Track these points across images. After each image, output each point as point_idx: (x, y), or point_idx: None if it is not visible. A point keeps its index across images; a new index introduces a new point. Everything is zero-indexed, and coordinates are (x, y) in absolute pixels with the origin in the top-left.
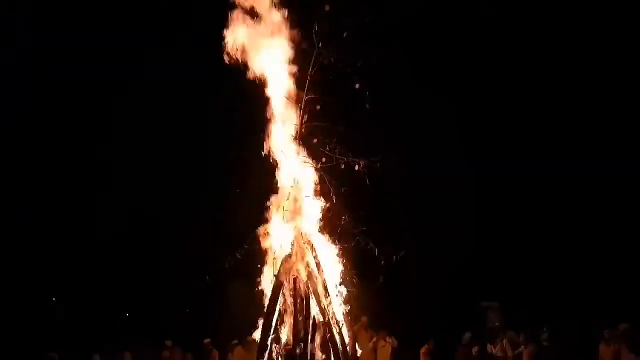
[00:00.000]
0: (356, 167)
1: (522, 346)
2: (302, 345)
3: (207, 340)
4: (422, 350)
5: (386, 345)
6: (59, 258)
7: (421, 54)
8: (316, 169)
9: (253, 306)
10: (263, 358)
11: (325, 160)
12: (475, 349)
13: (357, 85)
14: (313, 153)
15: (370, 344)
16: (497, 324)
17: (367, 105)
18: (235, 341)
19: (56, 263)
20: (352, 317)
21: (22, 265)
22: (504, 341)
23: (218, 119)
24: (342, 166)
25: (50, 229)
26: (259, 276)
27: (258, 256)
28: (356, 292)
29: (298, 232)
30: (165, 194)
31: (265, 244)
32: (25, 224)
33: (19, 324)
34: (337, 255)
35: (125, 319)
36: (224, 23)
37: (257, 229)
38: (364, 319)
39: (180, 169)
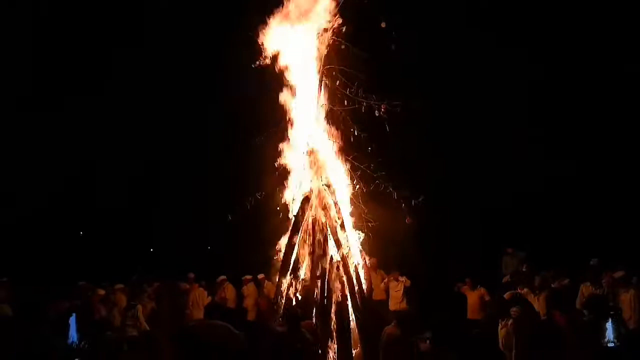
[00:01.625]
0: (376, 113)
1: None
2: (319, 282)
3: (222, 277)
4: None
5: (399, 285)
6: (88, 191)
7: None
8: (337, 112)
9: (272, 245)
10: (281, 294)
11: (347, 103)
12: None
13: (382, 24)
14: (335, 96)
15: (382, 284)
16: (524, 269)
17: (392, 46)
18: (249, 277)
19: (85, 197)
20: (367, 257)
21: (54, 200)
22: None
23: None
24: (363, 110)
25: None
26: (278, 216)
27: (278, 197)
28: (372, 233)
29: (317, 173)
30: (193, 137)
31: (284, 186)
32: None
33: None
34: (356, 197)
35: (149, 254)
36: None
37: (277, 171)
38: (373, 259)
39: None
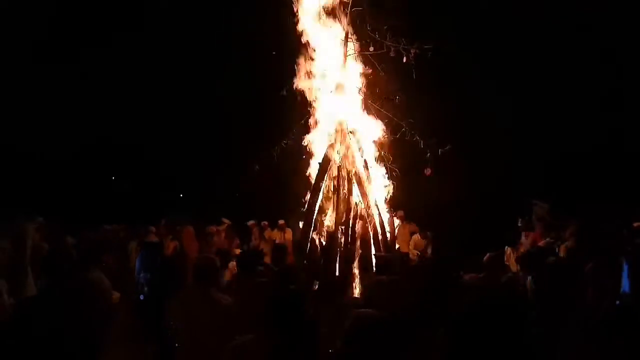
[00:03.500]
0: (404, 59)
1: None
2: (342, 229)
3: (251, 222)
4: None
5: (423, 240)
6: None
7: None
8: (365, 56)
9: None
10: (306, 239)
11: (375, 48)
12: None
13: None
14: (363, 40)
15: (408, 236)
16: (547, 219)
17: None
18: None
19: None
20: (392, 208)
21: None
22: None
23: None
24: (392, 54)
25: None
26: (304, 164)
27: (303, 146)
28: (398, 184)
29: (343, 121)
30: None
31: (310, 134)
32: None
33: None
34: (382, 146)
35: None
36: None
37: (302, 119)
38: (400, 212)
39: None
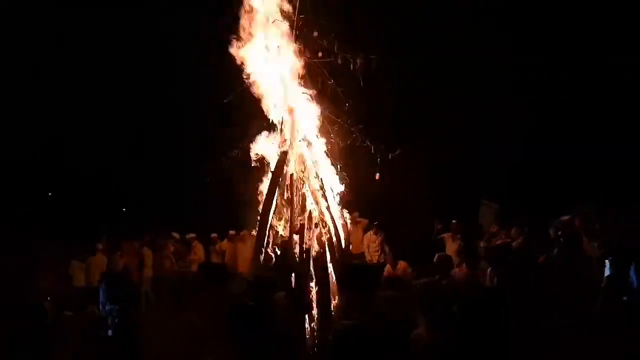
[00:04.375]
0: (351, 67)
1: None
2: (297, 237)
3: (191, 235)
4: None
5: (377, 239)
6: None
7: None
8: (312, 63)
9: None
10: (261, 249)
11: (322, 55)
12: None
13: None
14: (310, 46)
15: (361, 235)
16: (492, 222)
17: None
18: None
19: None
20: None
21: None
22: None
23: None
24: (339, 61)
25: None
26: (256, 174)
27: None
28: (350, 188)
29: (294, 129)
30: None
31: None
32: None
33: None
34: (333, 152)
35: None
36: None
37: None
38: (355, 214)
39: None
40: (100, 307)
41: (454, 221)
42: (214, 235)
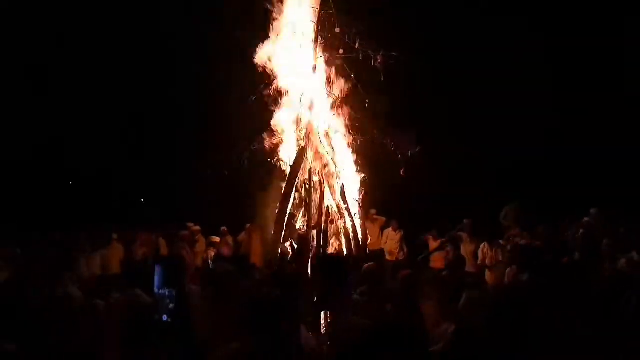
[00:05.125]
0: (372, 62)
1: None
2: (314, 231)
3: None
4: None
5: (396, 235)
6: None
7: None
8: (334, 59)
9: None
10: (279, 241)
11: (344, 52)
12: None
13: None
14: (332, 43)
15: (379, 232)
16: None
17: None
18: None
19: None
20: (364, 207)
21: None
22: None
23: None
24: (361, 57)
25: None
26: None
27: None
28: (369, 184)
29: (313, 124)
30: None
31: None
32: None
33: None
34: (352, 148)
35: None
36: None
37: (272, 123)
38: (372, 211)
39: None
40: (156, 290)
41: (465, 220)
42: (223, 228)
